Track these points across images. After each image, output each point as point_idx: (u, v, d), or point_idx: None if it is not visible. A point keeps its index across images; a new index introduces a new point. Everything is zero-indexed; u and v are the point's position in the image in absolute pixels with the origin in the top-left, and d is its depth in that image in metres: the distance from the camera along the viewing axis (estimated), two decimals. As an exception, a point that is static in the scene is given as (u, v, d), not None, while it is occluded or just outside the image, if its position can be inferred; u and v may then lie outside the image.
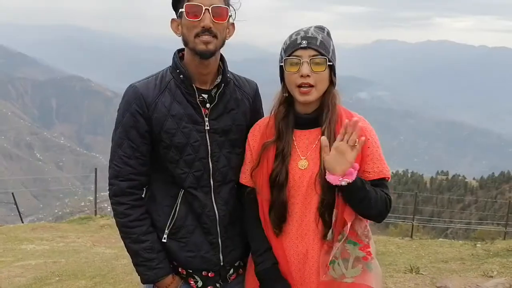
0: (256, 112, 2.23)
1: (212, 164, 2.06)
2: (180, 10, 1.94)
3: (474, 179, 74.88)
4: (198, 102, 2.03)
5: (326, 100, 1.96)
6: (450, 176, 74.95)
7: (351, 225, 1.90)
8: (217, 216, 2.08)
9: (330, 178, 1.81)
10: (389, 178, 2.00)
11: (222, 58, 2.09)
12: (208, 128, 2.04)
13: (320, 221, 1.94)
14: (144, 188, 2.12)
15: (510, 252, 7.08)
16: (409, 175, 76.09)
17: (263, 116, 2.26)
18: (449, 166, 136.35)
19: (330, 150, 1.80)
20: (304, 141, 2.00)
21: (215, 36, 1.92)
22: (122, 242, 2.10)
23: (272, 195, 1.98)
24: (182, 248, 2.08)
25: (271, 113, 2.07)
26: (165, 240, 2.07)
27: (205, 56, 1.93)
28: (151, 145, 2.03)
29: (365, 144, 1.91)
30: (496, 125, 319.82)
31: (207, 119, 2.04)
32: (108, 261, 7.21)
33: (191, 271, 2.12)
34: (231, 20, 2.02)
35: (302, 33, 1.92)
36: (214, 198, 2.08)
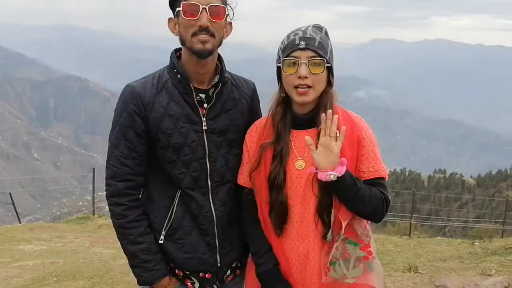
0: (254, 112, 2.21)
1: (209, 164, 2.04)
2: (177, 9, 1.92)
3: (471, 177, 75.05)
4: (196, 102, 2.01)
5: (323, 100, 1.95)
6: (447, 175, 75.14)
7: (351, 225, 1.89)
8: (214, 217, 2.07)
9: (320, 175, 1.79)
10: (386, 177, 1.98)
11: (219, 58, 2.07)
12: (206, 128, 2.02)
13: (319, 221, 1.93)
14: (141, 189, 2.10)
15: (508, 250, 7.09)
16: (407, 173, 76.17)
17: (261, 116, 2.24)
18: (447, 164, 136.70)
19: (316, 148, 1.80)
20: (301, 142, 1.98)
21: (212, 35, 1.90)
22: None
23: (271, 197, 1.96)
24: (179, 250, 2.06)
25: (268, 114, 2.05)
26: (162, 242, 2.06)
27: (202, 55, 1.91)
28: (148, 145, 2.01)
29: (360, 144, 1.91)
30: (494, 123, 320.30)
31: (204, 119, 2.02)
32: (106, 261, 7.19)
33: (188, 272, 2.11)
34: (228, 19, 2.00)
35: (300, 33, 1.89)
36: (212, 199, 2.06)
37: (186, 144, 1.99)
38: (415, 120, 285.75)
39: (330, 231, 1.90)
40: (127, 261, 2.09)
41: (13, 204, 15.11)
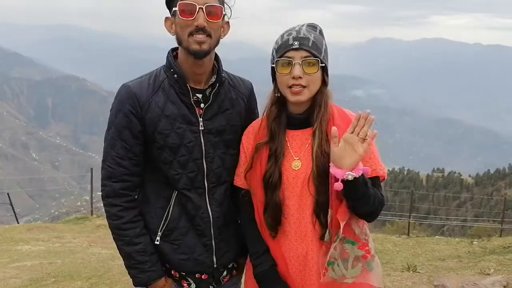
0: (251, 112, 2.20)
1: (206, 165, 2.03)
2: (174, 8, 1.90)
3: (470, 176, 75.21)
4: (192, 102, 1.99)
5: (318, 99, 1.93)
6: (446, 174, 75.30)
7: (349, 224, 1.88)
8: (211, 217, 2.05)
9: (335, 171, 1.76)
10: (384, 177, 1.97)
11: (216, 57, 2.05)
12: (203, 128, 2.01)
13: (316, 222, 1.91)
14: (137, 189, 2.08)
15: (506, 249, 7.10)
16: (405, 172, 76.39)
17: (258, 115, 2.23)
18: (445, 163, 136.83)
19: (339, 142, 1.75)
20: (298, 142, 1.97)
21: (209, 36, 1.88)
22: None
23: (266, 197, 1.95)
24: (175, 251, 2.05)
25: (263, 114, 2.04)
26: (158, 242, 2.05)
27: (199, 56, 1.90)
28: (144, 146, 2.00)
29: None
30: (492, 122, 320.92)
31: (201, 119, 2.00)
32: (104, 262, 7.18)
33: (184, 273, 2.10)
34: (225, 19, 1.98)
35: (294, 33, 1.87)
36: (208, 200, 2.05)
37: (183, 145, 1.98)
38: (413, 119, 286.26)
39: (327, 231, 1.89)
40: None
41: (11, 204, 15.07)
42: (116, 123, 1.96)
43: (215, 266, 2.10)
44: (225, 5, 1.96)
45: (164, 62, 2.06)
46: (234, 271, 2.22)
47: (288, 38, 1.86)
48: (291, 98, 1.89)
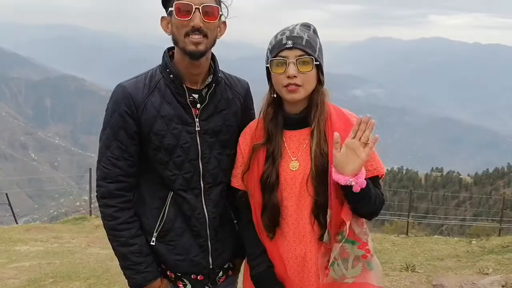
0: (247, 112, 2.19)
1: (202, 165, 2.02)
2: (170, 8, 1.89)
3: (468, 175, 75.27)
4: (189, 103, 1.98)
5: (315, 99, 1.92)
6: (444, 173, 75.30)
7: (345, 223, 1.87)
8: (207, 218, 2.04)
9: (338, 177, 1.75)
10: (383, 175, 1.97)
11: (213, 57, 2.04)
12: (199, 129, 1.99)
13: (315, 222, 1.91)
14: (133, 190, 2.07)
15: (505, 248, 7.10)
16: (404, 172, 76.40)
17: (255, 115, 2.22)
18: (444, 162, 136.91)
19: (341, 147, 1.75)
20: (295, 142, 1.96)
21: (205, 36, 1.87)
22: None
23: (264, 198, 1.94)
24: (171, 251, 2.04)
25: (260, 115, 2.03)
26: (153, 243, 2.04)
27: (195, 56, 1.89)
28: (139, 146, 1.98)
29: None
30: (491, 122, 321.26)
31: (197, 119, 1.99)
32: (102, 262, 7.17)
33: (179, 274, 2.09)
34: (222, 19, 1.96)
35: (287, 33, 1.87)
36: (204, 200, 2.04)
37: (179, 146, 1.97)
38: (412, 119, 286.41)
39: (326, 232, 1.88)
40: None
41: (9, 205, 15.05)
42: (111, 124, 1.95)
43: (211, 267, 2.09)
44: (221, 4, 1.94)
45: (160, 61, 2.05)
46: (230, 271, 2.22)
47: (282, 38, 1.86)
48: (286, 96, 1.88)
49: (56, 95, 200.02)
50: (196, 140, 1.99)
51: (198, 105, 2.00)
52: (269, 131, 1.96)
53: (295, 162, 1.93)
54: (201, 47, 1.87)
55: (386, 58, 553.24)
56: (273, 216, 1.93)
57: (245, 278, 2.12)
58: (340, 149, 1.74)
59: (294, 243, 1.94)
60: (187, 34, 1.86)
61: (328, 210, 1.86)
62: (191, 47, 1.86)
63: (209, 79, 2.02)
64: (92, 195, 14.57)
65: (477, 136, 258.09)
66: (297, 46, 1.83)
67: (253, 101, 2.26)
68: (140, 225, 2.03)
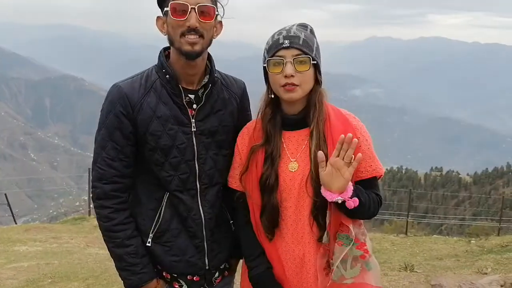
0: (243, 112, 2.18)
1: (198, 166, 2.01)
2: (165, 8, 1.88)
3: (468, 175, 75.29)
4: (185, 103, 1.97)
5: (313, 99, 1.91)
6: (444, 172, 75.31)
7: (345, 225, 1.88)
8: (203, 219, 2.04)
9: (326, 194, 1.77)
10: (381, 175, 1.96)
11: (209, 57, 2.03)
12: (195, 129, 1.98)
13: (314, 223, 1.90)
14: (128, 191, 2.06)
15: (504, 248, 7.10)
16: (403, 171, 76.41)
17: (251, 115, 2.22)
18: (443, 162, 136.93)
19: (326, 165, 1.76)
20: (294, 143, 1.95)
21: (201, 36, 1.86)
22: None
23: (263, 199, 1.93)
24: (167, 252, 2.03)
25: (258, 116, 2.01)
26: (149, 244, 2.03)
27: (191, 57, 1.88)
28: (135, 147, 1.97)
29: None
30: (490, 121, 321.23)
31: (193, 120, 1.98)
32: (101, 262, 7.15)
33: (175, 275, 2.08)
34: (218, 18, 1.95)
35: (284, 33, 1.87)
36: (200, 201, 2.03)
37: (175, 146, 1.95)
38: (411, 118, 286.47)
39: (325, 233, 1.88)
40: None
41: (8, 205, 15.05)
42: (106, 124, 1.93)
43: (207, 267, 2.09)
44: (217, 4, 1.93)
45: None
46: (226, 271, 2.21)
47: (279, 38, 1.86)
48: (284, 96, 1.87)
49: (56, 95, 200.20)
50: (192, 141, 1.98)
51: (194, 106, 1.99)
52: (267, 132, 1.95)
53: (294, 163, 1.92)
54: (197, 48, 1.86)
55: (386, 57, 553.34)
56: (273, 218, 1.92)
57: (243, 279, 2.12)
58: (326, 167, 1.75)
59: (293, 244, 1.94)
60: (183, 34, 1.85)
61: (327, 211, 1.85)
62: (187, 48, 1.85)
63: (205, 80, 2.01)
64: (91, 195, 14.58)
65: (477, 135, 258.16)
66: (294, 45, 1.83)
67: (250, 101, 2.25)
68: (136, 226, 2.02)
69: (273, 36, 1.90)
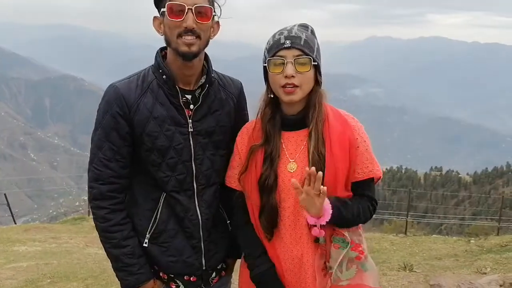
0: (241, 112, 2.18)
1: (195, 167, 2.00)
2: (162, 9, 1.87)
3: (467, 174, 75.27)
4: (182, 104, 1.96)
5: (312, 100, 1.91)
6: (443, 172, 75.28)
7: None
8: (200, 220, 2.03)
9: (307, 217, 1.83)
10: (379, 177, 1.96)
11: (206, 58, 2.02)
12: (192, 130, 1.98)
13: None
14: (125, 191, 2.05)
15: (503, 248, 7.11)
16: (403, 171, 76.36)
17: (248, 115, 2.22)
18: (443, 162, 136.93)
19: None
20: (293, 143, 1.95)
21: (198, 37, 1.85)
22: None
23: (262, 200, 1.93)
24: (164, 253, 2.03)
25: (257, 115, 2.01)
26: (146, 245, 2.03)
27: (188, 58, 1.87)
28: (132, 147, 1.97)
29: (353, 144, 1.89)
30: (490, 121, 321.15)
31: (190, 120, 1.98)
32: (100, 262, 7.15)
33: (172, 275, 2.08)
34: (215, 19, 1.94)
35: (285, 33, 1.86)
36: (197, 202, 2.03)
37: (172, 147, 1.95)
38: (411, 118, 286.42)
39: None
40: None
41: (8, 205, 15.06)
42: (103, 124, 1.93)
43: (204, 268, 2.08)
44: (215, 4, 1.92)
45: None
46: (223, 271, 2.21)
47: (280, 38, 1.85)
48: (284, 98, 1.87)
49: (56, 95, 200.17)
50: (189, 141, 1.98)
51: (191, 106, 1.98)
52: (267, 132, 1.94)
53: (293, 163, 1.92)
54: (194, 48, 1.85)
55: (385, 57, 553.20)
56: (272, 218, 1.92)
57: (241, 279, 2.11)
58: (302, 193, 1.77)
59: (291, 244, 1.93)
60: (179, 35, 1.84)
61: None
62: (184, 48, 1.84)
63: (203, 80, 2.01)
64: (88, 196, 14.58)
65: (477, 135, 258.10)
66: (295, 46, 1.82)
67: (248, 101, 2.25)
68: (132, 226, 2.02)
69: (274, 36, 1.89)
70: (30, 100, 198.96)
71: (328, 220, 1.79)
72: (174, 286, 2.09)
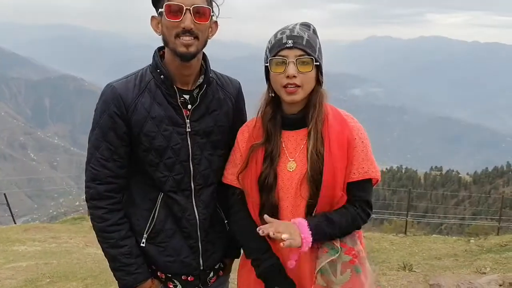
0: (239, 112, 2.17)
1: (193, 167, 2.00)
2: (160, 9, 1.86)
3: (467, 174, 75.23)
4: (179, 104, 1.96)
5: (313, 99, 1.90)
6: (444, 172, 75.26)
7: None
8: (197, 220, 2.03)
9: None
10: (377, 179, 1.94)
11: (204, 57, 2.02)
12: (189, 130, 1.97)
13: None
14: (122, 191, 2.04)
15: (503, 247, 7.10)
16: (403, 171, 76.31)
17: (246, 115, 2.21)
18: (443, 161, 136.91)
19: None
20: (293, 143, 1.94)
21: (196, 37, 1.84)
22: None
23: (262, 198, 1.92)
24: (161, 253, 2.03)
25: (258, 114, 2.00)
26: (143, 245, 2.02)
27: (185, 58, 1.86)
28: (129, 147, 1.96)
29: (351, 144, 1.88)
30: (490, 120, 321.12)
31: (188, 120, 1.97)
32: (100, 262, 7.15)
33: (170, 275, 2.08)
34: (214, 19, 1.93)
35: (287, 32, 1.85)
36: (195, 202, 2.02)
37: (169, 147, 1.94)
38: (411, 118, 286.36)
39: None
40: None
41: (8, 205, 15.06)
42: (100, 124, 1.92)
43: (201, 268, 2.08)
44: (213, 4, 1.91)
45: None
46: (221, 271, 2.21)
47: (282, 37, 1.84)
48: (286, 98, 1.86)
49: (56, 95, 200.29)
50: (187, 141, 1.97)
51: (189, 106, 1.98)
52: (268, 131, 1.94)
53: (292, 163, 1.92)
54: (192, 49, 1.84)
55: (385, 57, 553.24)
56: (272, 216, 1.90)
57: (240, 279, 2.11)
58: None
59: None
60: (177, 36, 1.82)
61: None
62: (182, 49, 1.83)
63: (201, 80, 2.00)
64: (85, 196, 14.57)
65: (477, 135, 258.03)
66: (297, 45, 1.81)
67: (246, 101, 2.24)
68: (130, 226, 2.02)
69: (276, 35, 1.87)
70: (30, 100, 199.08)
71: (310, 246, 1.79)
72: (172, 286, 2.09)
